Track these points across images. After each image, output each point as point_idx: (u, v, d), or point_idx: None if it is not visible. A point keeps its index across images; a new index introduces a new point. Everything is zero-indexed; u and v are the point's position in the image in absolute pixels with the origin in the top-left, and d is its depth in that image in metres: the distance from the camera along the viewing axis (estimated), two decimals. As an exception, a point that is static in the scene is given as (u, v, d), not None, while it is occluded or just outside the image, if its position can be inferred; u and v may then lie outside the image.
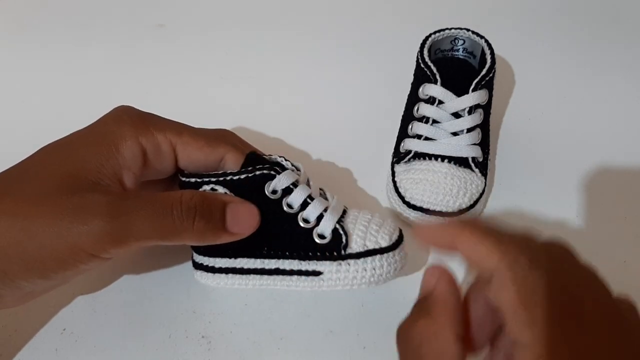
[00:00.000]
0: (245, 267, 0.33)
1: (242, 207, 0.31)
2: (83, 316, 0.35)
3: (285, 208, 0.32)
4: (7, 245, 0.26)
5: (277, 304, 0.35)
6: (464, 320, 0.23)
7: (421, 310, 0.24)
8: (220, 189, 0.31)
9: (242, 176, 0.31)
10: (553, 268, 0.21)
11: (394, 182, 0.39)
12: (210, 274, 0.34)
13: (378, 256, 0.32)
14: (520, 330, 0.20)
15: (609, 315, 0.21)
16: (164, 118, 0.32)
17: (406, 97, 0.44)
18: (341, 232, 0.32)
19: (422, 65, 0.41)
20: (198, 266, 0.34)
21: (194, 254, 0.34)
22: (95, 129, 0.30)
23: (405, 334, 0.23)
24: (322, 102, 0.50)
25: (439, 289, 0.24)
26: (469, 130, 0.38)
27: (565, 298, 0.20)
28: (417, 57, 0.42)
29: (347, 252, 0.32)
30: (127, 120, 0.30)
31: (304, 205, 0.32)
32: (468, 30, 0.43)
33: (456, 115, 0.39)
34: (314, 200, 0.32)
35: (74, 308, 0.35)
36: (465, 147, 0.38)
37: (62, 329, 0.34)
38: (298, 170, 0.33)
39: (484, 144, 0.40)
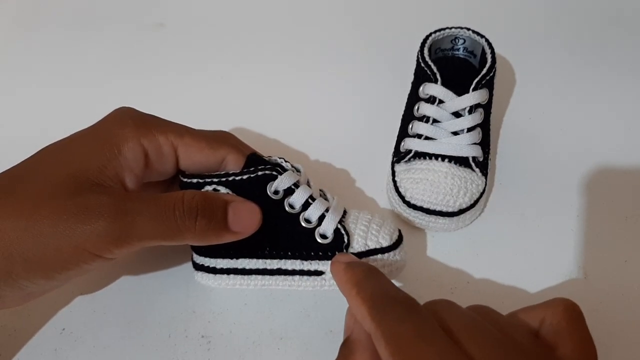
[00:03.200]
0: (247, 267, 0.33)
1: (243, 206, 0.31)
2: (82, 316, 0.34)
3: (287, 208, 0.32)
4: (10, 245, 0.26)
5: (277, 304, 0.35)
6: None
7: (345, 354, 0.26)
8: (222, 190, 0.31)
9: (244, 177, 0.31)
10: (424, 319, 0.23)
11: (394, 182, 0.39)
12: (211, 275, 0.33)
13: (379, 255, 0.32)
14: None
15: (495, 349, 0.22)
16: (165, 120, 0.32)
17: (406, 97, 0.44)
18: (343, 232, 0.32)
19: (422, 65, 0.41)
20: (199, 267, 0.34)
21: (195, 255, 0.34)
22: (96, 130, 0.30)
23: None
24: (322, 102, 0.50)
25: (355, 330, 0.27)
26: (470, 129, 0.38)
27: (440, 340, 0.22)
28: (418, 56, 0.42)
29: (348, 252, 0.32)
30: (128, 122, 0.30)
31: (306, 205, 0.32)
32: (468, 29, 0.43)
33: (456, 114, 0.39)
34: (316, 201, 0.32)
35: (74, 308, 0.35)
36: (466, 146, 0.38)
37: (61, 329, 0.34)
38: (298, 171, 0.33)
39: (485, 144, 0.40)
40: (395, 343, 0.22)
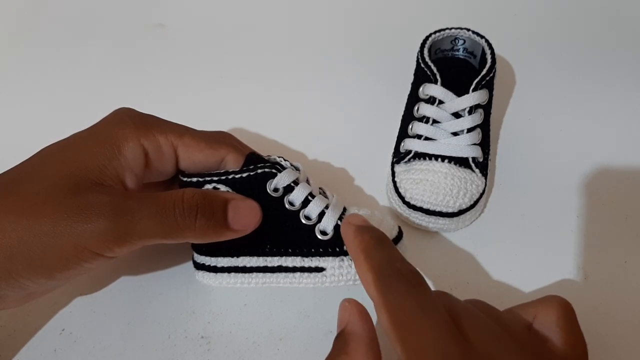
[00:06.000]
0: (248, 265, 0.33)
1: (243, 204, 0.31)
2: (82, 316, 0.34)
3: (287, 206, 0.32)
4: (11, 245, 0.26)
5: (277, 304, 0.35)
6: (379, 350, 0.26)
7: (339, 347, 0.26)
8: (222, 188, 0.31)
9: (244, 175, 0.31)
10: (428, 295, 0.23)
11: (394, 182, 0.39)
12: (212, 274, 0.33)
13: None
14: (394, 347, 0.22)
15: (491, 336, 0.23)
16: (164, 120, 0.32)
17: (406, 97, 0.44)
18: None
19: (422, 65, 0.41)
20: (200, 266, 0.34)
21: (195, 255, 0.34)
22: (97, 131, 0.30)
23: None
24: (321, 102, 0.50)
25: (350, 324, 0.26)
26: (469, 130, 0.38)
27: (441, 317, 0.22)
28: (417, 57, 0.42)
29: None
30: (128, 122, 0.30)
31: (306, 202, 0.32)
32: (468, 30, 0.43)
33: (456, 115, 0.39)
34: (315, 198, 0.32)
35: (73, 308, 0.35)
36: (466, 147, 0.38)
37: (61, 329, 0.34)
38: (297, 169, 0.34)
39: (484, 144, 0.40)
40: (397, 315, 0.23)
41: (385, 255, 0.26)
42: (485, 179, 0.39)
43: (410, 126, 0.40)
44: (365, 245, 0.27)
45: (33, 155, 0.30)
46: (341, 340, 0.26)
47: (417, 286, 0.24)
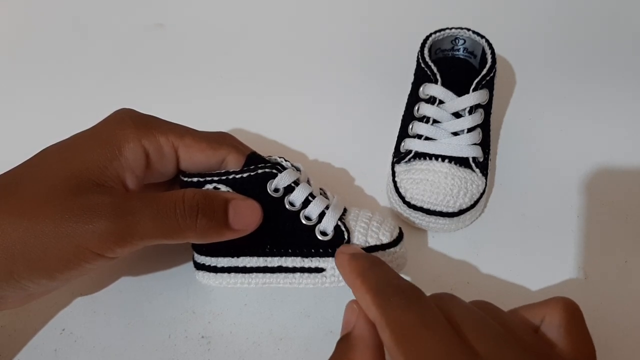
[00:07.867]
0: (248, 265, 0.33)
1: (244, 204, 0.31)
2: (82, 316, 0.34)
3: (287, 206, 0.32)
4: (12, 246, 0.26)
5: (277, 304, 0.35)
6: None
7: (344, 350, 0.25)
8: (223, 188, 0.31)
9: (245, 175, 0.31)
10: (429, 308, 0.23)
11: (394, 182, 0.39)
12: (212, 274, 0.33)
13: (380, 252, 0.32)
14: None
15: (497, 343, 0.22)
16: (165, 120, 0.32)
17: (406, 97, 0.44)
18: (343, 228, 0.32)
19: (422, 65, 0.41)
20: (200, 267, 0.34)
21: (196, 255, 0.34)
22: (97, 131, 0.30)
23: None
24: (322, 102, 0.50)
25: (358, 327, 0.26)
26: (470, 130, 0.38)
27: (444, 328, 0.22)
28: (418, 56, 0.42)
29: None
30: (129, 122, 0.30)
31: (306, 203, 0.32)
32: (469, 30, 0.43)
33: (457, 115, 0.39)
34: (316, 198, 0.32)
35: (74, 308, 0.35)
36: (466, 147, 0.38)
37: (61, 329, 0.34)
38: (298, 170, 0.34)
39: (485, 144, 0.40)
40: (400, 331, 0.22)
41: (381, 274, 0.26)
42: (486, 178, 0.39)
43: (410, 126, 0.40)
44: (360, 269, 0.27)
45: (34, 156, 0.30)
46: (346, 344, 0.25)
47: (416, 300, 0.24)
